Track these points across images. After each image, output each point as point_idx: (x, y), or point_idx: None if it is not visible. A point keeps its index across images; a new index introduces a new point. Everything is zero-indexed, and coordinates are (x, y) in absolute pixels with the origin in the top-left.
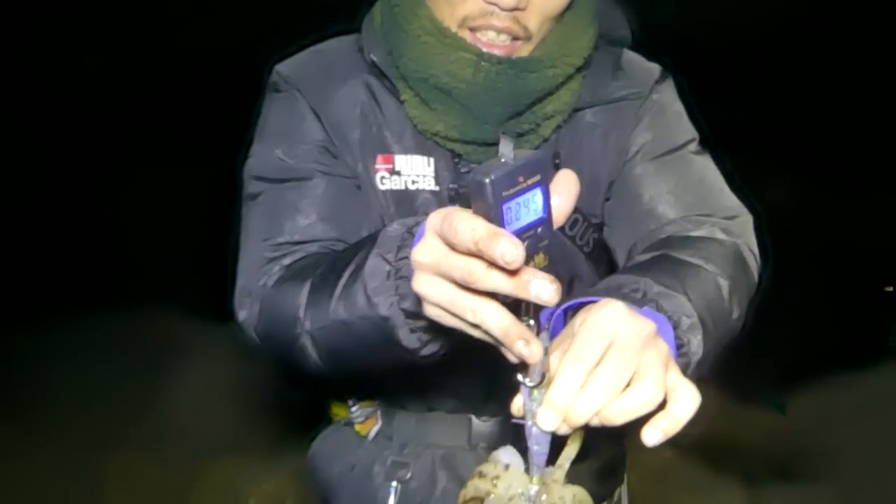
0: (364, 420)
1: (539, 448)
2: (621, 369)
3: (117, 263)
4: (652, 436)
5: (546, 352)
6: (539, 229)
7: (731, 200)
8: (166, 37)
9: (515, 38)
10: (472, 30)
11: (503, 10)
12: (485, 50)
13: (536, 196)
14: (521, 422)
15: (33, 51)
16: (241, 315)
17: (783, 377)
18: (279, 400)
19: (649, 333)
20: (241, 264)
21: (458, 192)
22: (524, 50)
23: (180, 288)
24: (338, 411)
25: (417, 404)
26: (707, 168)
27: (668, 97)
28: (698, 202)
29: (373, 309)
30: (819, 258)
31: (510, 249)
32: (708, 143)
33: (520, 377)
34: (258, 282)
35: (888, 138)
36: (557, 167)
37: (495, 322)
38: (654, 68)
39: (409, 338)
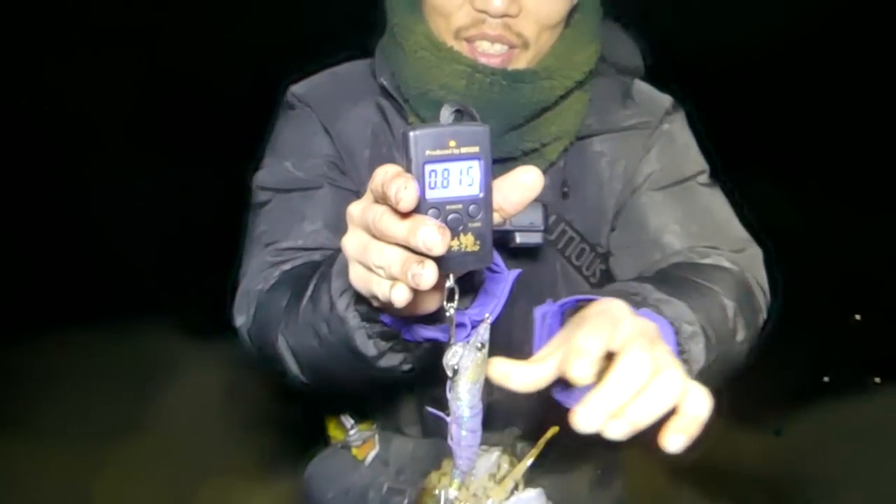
0: (362, 444)
1: (463, 448)
2: (642, 367)
3: (109, 280)
4: (674, 441)
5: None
6: (471, 207)
7: (739, 232)
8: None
9: (512, 47)
10: (468, 41)
11: (493, 16)
12: (481, 61)
13: (473, 170)
14: (439, 415)
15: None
16: (239, 320)
17: (780, 401)
18: (273, 420)
19: (654, 331)
20: (244, 269)
21: None
22: (522, 60)
23: (173, 305)
24: (335, 433)
25: (415, 428)
26: (715, 200)
27: (678, 128)
28: (705, 233)
29: (333, 310)
30: (818, 280)
31: (402, 186)
32: (718, 176)
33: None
34: (257, 286)
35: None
36: (565, 195)
37: (396, 256)
38: (665, 99)
39: (365, 343)
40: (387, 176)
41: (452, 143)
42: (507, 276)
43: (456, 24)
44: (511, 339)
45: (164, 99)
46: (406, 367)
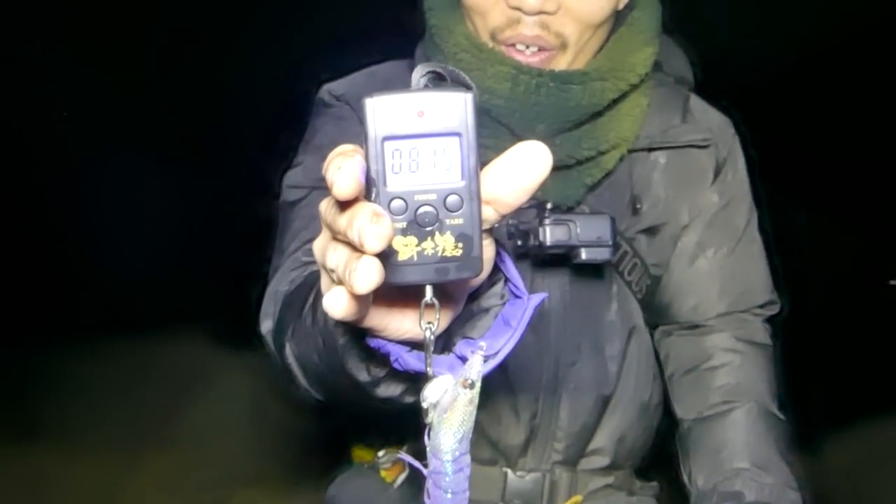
0: (391, 466)
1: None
2: None
3: (141, 289)
4: None
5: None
6: (449, 199)
7: (769, 284)
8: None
9: (548, 49)
10: (505, 44)
11: (528, 13)
12: (524, 62)
13: (451, 150)
14: (415, 465)
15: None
16: (265, 326)
17: (816, 420)
18: (302, 432)
19: None
20: (273, 269)
21: (519, 229)
22: (562, 62)
23: (206, 314)
24: (361, 454)
25: None
26: (758, 249)
27: (739, 155)
28: (743, 299)
29: (327, 323)
30: (853, 297)
31: (336, 167)
32: (758, 201)
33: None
34: (283, 286)
35: None
36: (637, 211)
37: (343, 256)
38: (724, 118)
39: (357, 368)
40: (335, 152)
41: (423, 114)
42: (526, 301)
43: (492, 24)
44: (558, 367)
45: (196, 109)
46: (409, 399)
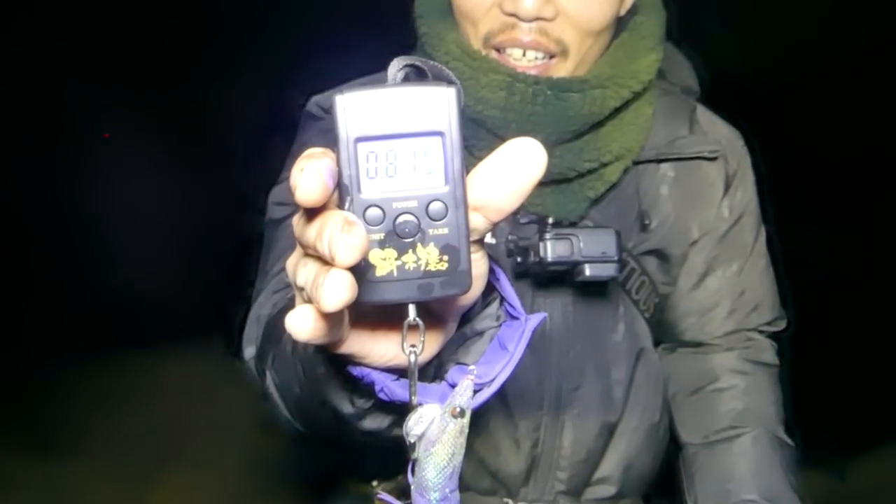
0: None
1: None
2: None
3: (158, 303)
4: None
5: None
6: (432, 206)
7: (776, 301)
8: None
9: (550, 56)
10: (498, 50)
11: (524, 20)
12: (519, 70)
13: (433, 152)
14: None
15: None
16: (248, 351)
17: (843, 442)
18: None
19: None
20: (256, 292)
21: (518, 246)
22: (561, 69)
23: (221, 329)
24: (356, 486)
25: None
26: (765, 265)
27: (748, 169)
28: (752, 317)
29: (306, 348)
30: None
31: (299, 169)
32: (765, 215)
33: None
34: (266, 310)
35: None
36: (645, 228)
37: (312, 271)
38: (733, 130)
39: (339, 398)
40: (303, 156)
41: (401, 113)
42: (524, 323)
43: (484, 29)
44: (560, 392)
45: (214, 126)
46: (398, 431)
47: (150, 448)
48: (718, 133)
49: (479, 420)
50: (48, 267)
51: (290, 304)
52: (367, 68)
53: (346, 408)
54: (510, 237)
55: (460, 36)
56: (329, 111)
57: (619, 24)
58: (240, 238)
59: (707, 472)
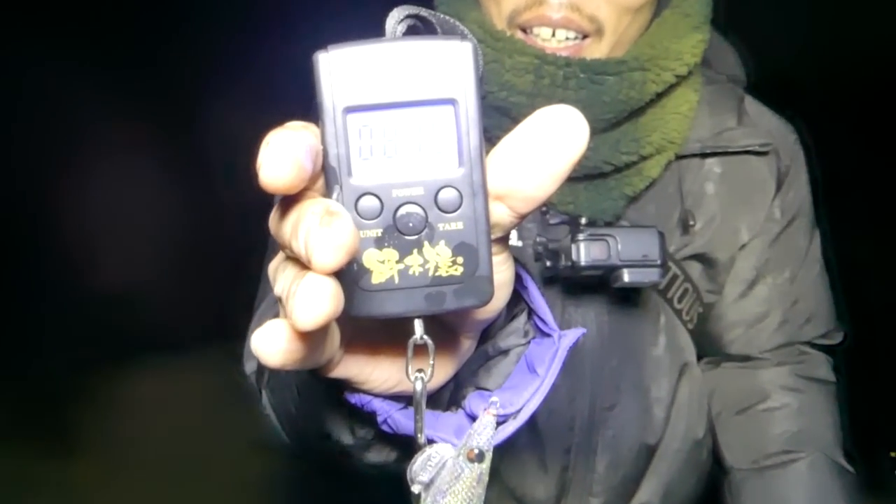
0: None
1: None
2: None
3: (176, 309)
4: None
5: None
6: (442, 194)
7: (831, 311)
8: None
9: (583, 36)
10: (525, 30)
11: None
12: (548, 51)
13: (444, 125)
14: None
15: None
16: (249, 366)
17: (885, 462)
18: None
19: None
20: (257, 302)
21: (547, 248)
22: (596, 50)
23: (239, 335)
24: None
25: None
26: (819, 272)
27: (802, 166)
28: (805, 329)
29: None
30: None
31: (265, 143)
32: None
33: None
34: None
35: None
36: (689, 229)
37: (289, 276)
38: (788, 126)
39: (339, 427)
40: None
41: (402, 75)
42: (557, 341)
43: (509, 6)
44: (594, 411)
45: (220, 132)
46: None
47: (175, 453)
48: (769, 125)
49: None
50: (68, 275)
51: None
52: None
53: (346, 438)
54: (538, 239)
55: (482, 15)
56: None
57: (661, 1)
58: (248, 247)
59: (758, 502)
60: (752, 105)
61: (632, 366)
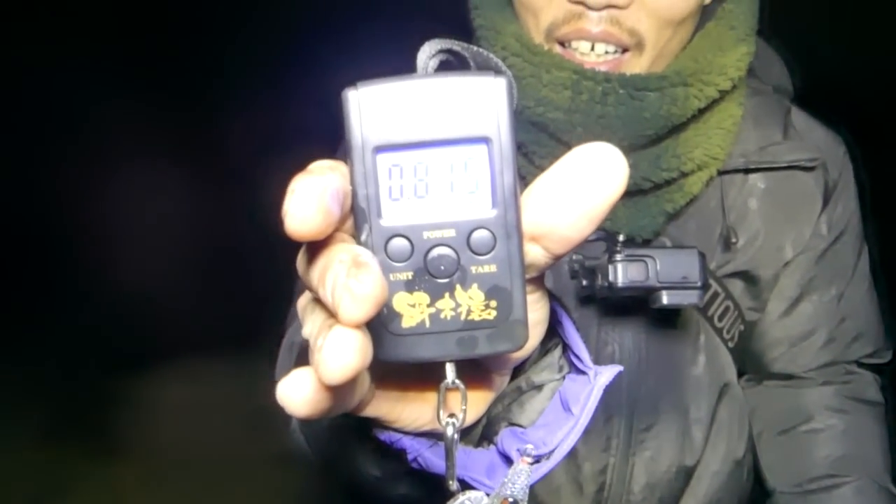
0: None
1: None
2: None
3: (214, 313)
4: None
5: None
6: (475, 236)
7: (880, 330)
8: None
9: (623, 50)
10: (563, 43)
11: (594, 9)
12: (586, 66)
13: (475, 163)
14: None
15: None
16: (279, 376)
17: None
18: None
19: None
20: (290, 316)
21: (584, 266)
22: (636, 66)
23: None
24: None
25: None
26: (867, 289)
27: (851, 180)
28: (852, 348)
29: None
30: None
31: (291, 189)
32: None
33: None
34: (300, 336)
35: None
36: (731, 246)
37: (317, 323)
38: (837, 138)
39: (368, 460)
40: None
41: (434, 112)
42: (593, 379)
43: (547, 20)
44: (631, 432)
45: (250, 140)
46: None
47: (210, 457)
48: (817, 139)
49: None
50: (106, 282)
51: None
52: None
53: (376, 472)
54: (574, 257)
55: (520, 28)
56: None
57: (705, 13)
58: (278, 251)
59: None
60: (800, 117)
61: (670, 386)
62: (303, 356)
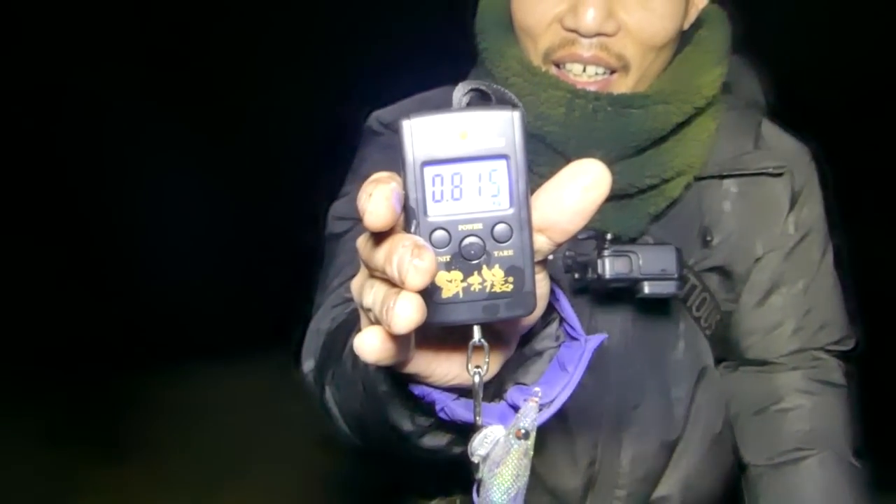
0: None
1: None
2: None
3: (221, 317)
4: None
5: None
6: (497, 228)
7: (844, 320)
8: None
9: (611, 72)
10: (558, 65)
11: (585, 36)
12: (579, 86)
13: (498, 174)
14: None
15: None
16: (307, 364)
17: None
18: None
19: None
20: (316, 305)
21: (576, 262)
22: (622, 85)
23: (283, 342)
24: (417, 500)
25: None
26: (832, 283)
27: (816, 185)
28: (819, 335)
29: (367, 366)
30: None
31: (367, 194)
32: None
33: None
34: (325, 324)
35: None
36: (708, 244)
37: (380, 294)
38: (800, 145)
39: (400, 416)
40: (365, 185)
41: (466, 136)
42: (584, 344)
43: (544, 45)
44: (619, 410)
45: (275, 140)
46: (457, 449)
47: (215, 459)
48: (785, 148)
49: (536, 436)
50: (120, 282)
51: (349, 319)
52: (427, 84)
53: (407, 425)
54: (568, 253)
55: (521, 51)
56: (389, 127)
57: (683, 38)
58: (301, 251)
59: (772, 495)
60: (770, 128)
61: (654, 369)
62: (331, 340)
